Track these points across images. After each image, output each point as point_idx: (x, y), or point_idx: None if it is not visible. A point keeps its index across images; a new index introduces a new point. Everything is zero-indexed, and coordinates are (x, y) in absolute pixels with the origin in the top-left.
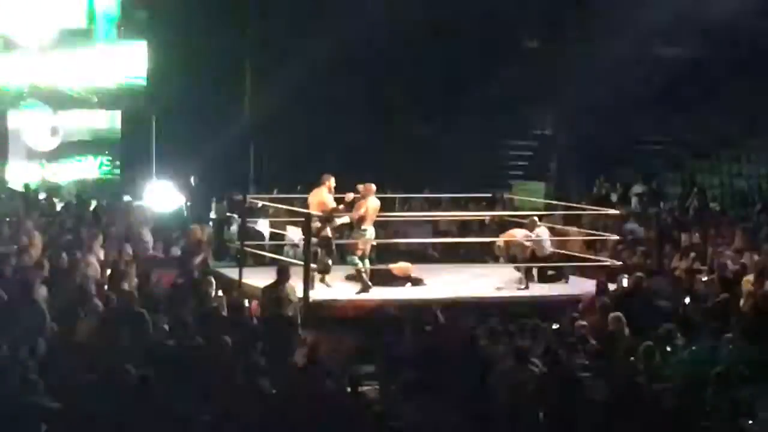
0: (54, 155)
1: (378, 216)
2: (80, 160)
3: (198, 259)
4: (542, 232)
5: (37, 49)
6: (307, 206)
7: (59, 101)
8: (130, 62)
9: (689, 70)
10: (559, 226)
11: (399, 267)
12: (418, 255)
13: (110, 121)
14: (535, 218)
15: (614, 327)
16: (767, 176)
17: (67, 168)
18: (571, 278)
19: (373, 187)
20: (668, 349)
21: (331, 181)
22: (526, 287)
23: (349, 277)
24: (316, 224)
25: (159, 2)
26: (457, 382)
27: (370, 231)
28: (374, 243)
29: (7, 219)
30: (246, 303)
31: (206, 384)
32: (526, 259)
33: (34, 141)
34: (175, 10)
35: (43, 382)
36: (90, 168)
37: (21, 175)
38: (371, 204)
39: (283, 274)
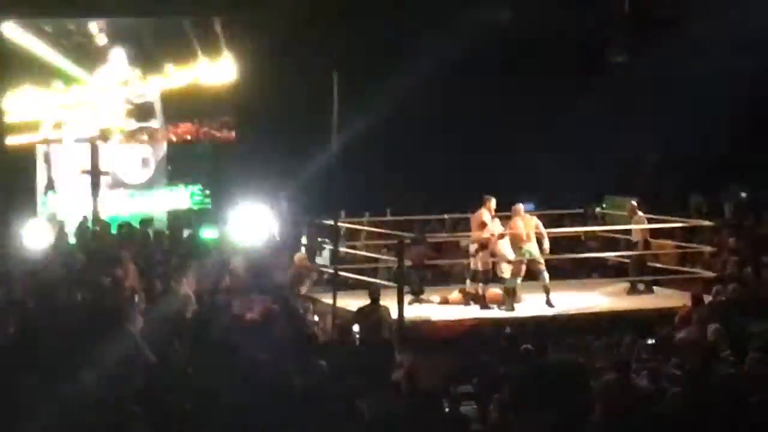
0: (145, 186)
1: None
2: (172, 190)
3: (302, 286)
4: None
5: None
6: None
7: None
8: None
9: None
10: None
11: (492, 293)
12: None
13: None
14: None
15: (714, 338)
16: None
17: (158, 198)
18: (664, 290)
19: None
20: None
21: (492, 202)
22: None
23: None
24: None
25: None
26: (556, 398)
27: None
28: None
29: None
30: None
31: (303, 409)
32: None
33: (124, 173)
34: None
35: (143, 412)
36: (182, 198)
37: (112, 206)
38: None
39: (375, 296)
